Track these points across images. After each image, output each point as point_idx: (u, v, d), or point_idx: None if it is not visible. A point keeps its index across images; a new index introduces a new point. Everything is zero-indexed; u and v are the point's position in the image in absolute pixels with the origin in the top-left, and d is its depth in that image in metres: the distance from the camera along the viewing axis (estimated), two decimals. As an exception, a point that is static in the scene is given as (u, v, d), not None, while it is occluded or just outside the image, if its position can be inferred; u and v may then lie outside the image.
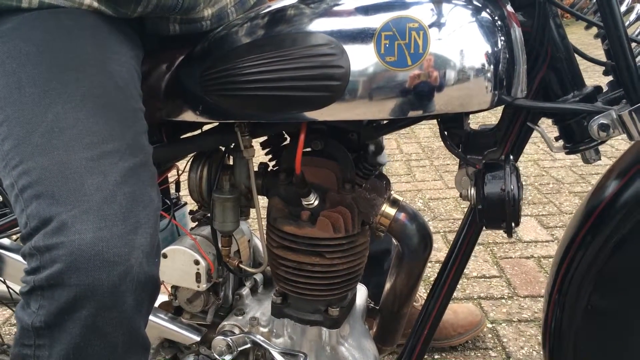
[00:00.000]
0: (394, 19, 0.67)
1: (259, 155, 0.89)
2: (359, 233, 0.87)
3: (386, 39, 0.68)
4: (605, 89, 0.77)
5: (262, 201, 0.89)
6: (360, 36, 0.68)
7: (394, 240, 1.35)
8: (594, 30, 0.79)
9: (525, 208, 2.19)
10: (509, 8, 0.72)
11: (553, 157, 2.81)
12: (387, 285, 1.00)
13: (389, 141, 3.29)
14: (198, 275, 0.95)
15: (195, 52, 0.83)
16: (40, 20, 0.72)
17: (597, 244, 0.76)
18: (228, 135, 0.86)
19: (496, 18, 0.69)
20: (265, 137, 0.91)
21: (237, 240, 1.02)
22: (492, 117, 3.19)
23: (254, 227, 1.11)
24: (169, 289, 1.03)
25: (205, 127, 0.92)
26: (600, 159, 0.76)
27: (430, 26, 0.67)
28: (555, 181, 2.49)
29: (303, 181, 0.83)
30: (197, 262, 0.94)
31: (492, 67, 0.69)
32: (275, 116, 0.75)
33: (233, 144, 0.92)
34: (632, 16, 0.73)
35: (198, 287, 0.95)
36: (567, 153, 0.76)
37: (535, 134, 0.79)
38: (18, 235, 1.16)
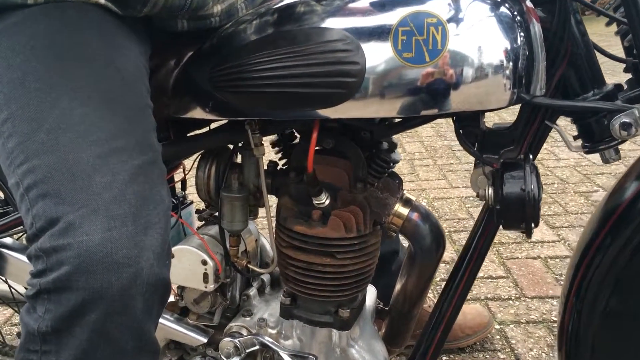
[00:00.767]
0: (412, 14, 0.66)
1: (268, 153, 0.87)
2: (370, 233, 0.85)
3: (403, 34, 0.66)
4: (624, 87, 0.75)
5: (271, 200, 0.88)
6: (377, 32, 0.66)
7: (403, 241, 1.33)
8: (614, 27, 0.78)
9: (531, 208, 2.17)
10: (528, 3, 0.70)
11: (557, 156, 2.79)
12: (398, 286, 0.98)
13: (392, 140, 3.27)
14: (205, 275, 0.93)
15: (204, 48, 0.81)
16: (44, 14, 0.70)
17: (615, 247, 0.74)
18: (238, 133, 0.85)
19: (515, 13, 0.68)
20: (275, 135, 0.89)
21: (244, 240, 1.00)
22: (508, 116, 3.17)
23: (260, 227, 1.09)
24: (175, 290, 1.01)
25: (214, 125, 0.90)
26: (620, 158, 0.74)
27: (449, 21, 0.65)
28: (560, 181, 2.47)
29: (314, 180, 0.81)
30: (204, 262, 0.92)
31: (511, 64, 0.67)
32: (288, 114, 0.73)
33: (242, 142, 0.90)
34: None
35: (205, 287, 0.94)
36: (586, 152, 0.74)
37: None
38: (20, 234, 1.14)
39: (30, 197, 0.60)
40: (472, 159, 0.81)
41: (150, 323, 0.61)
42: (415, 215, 0.86)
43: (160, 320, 0.99)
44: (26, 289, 0.62)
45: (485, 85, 0.67)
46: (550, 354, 1.31)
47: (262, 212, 0.96)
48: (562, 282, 1.64)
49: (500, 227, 0.76)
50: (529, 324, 1.44)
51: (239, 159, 0.95)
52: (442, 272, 1.70)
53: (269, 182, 0.89)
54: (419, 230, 0.86)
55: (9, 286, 1.21)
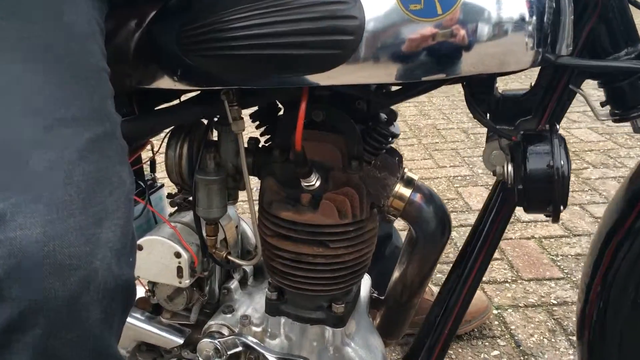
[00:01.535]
0: (420, -44, 0.55)
1: (248, 129, 0.76)
2: (367, 218, 0.75)
3: (410, -19, 0.55)
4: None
5: (253, 182, 0.77)
6: (378, -22, 0.55)
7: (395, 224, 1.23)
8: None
9: (521, 186, 2.10)
10: (553, -54, 0.60)
11: None
12: (396, 274, 0.89)
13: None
14: (179, 269, 0.82)
15: (171, 4, 0.69)
16: None
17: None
18: (212, 105, 0.73)
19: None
20: (256, 107, 0.78)
21: (223, 227, 0.89)
22: (510, 82, 3.08)
23: (241, 211, 0.98)
24: (146, 285, 0.90)
25: (185, 96, 0.78)
26: (655, 127, 0.65)
27: (464, -34, 0.54)
28: None
29: (303, 159, 0.70)
30: (178, 255, 0.81)
31: (534, 18, 0.57)
32: (272, 81, 0.62)
33: (218, 116, 0.79)
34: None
35: (180, 283, 0.82)
36: (615, 121, 0.65)
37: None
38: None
39: None
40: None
41: (110, 336, 0.50)
42: (418, 197, 0.76)
43: (129, 319, 0.89)
44: None
45: (504, 44, 0.57)
46: (552, 340, 1.24)
47: (242, 195, 0.85)
48: (559, 263, 1.58)
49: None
50: (527, 308, 1.37)
51: (214, 136, 0.83)
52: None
53: (250, 162, 0.79)
54: (422, 213, 0.76)
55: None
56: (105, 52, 0.63)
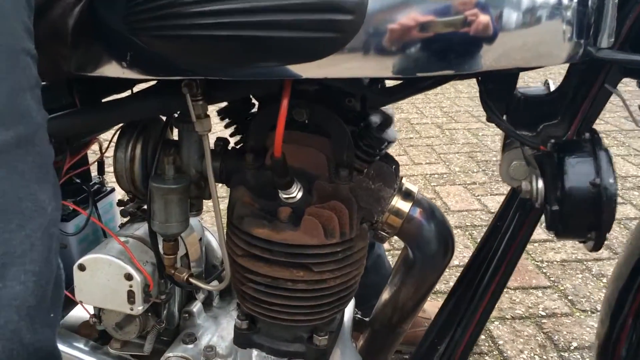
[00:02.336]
0: None
1: (216, 127, 0.63)
2: (357, 236, 0.63)
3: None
4: None
5: (221, 191, 0.63)
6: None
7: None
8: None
9: (500, 186, 2.02)
10: None
11: None
12: (385, 296, 0.78)
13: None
14: (131, 294, 0.68)
15: (119, -29, 0.55)
16: None
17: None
18: (172, 99, 0.60)
19: None
20: (225, 103, 0.65)
21: (184, 241, 0.76)
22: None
23: (207, 221, 0.85)
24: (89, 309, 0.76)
25: (138, 87, 0.65)
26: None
27: None
28: None
29: (282, 166, 0.57)
30: (129, 277, 0.68)
31: (575, 2, 0.46)
32: (245, 70, 0.50)
33: (179, 112, 0.65)
34: None
35: (131, 309, 0.69)
36: (656, 128, 0.54)
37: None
38: None
39: None
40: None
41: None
42: (418, 212, 0.64)
43: (69, 349, 0.75)
44: None
45: (537, 34, 0.46)
46: (544, 357, 1.16)
47: (208, 205, 0.72)
48: (544, 270, 1.50)
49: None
50: (515, 321, 1.28)
51: (175, 136, 0.69)
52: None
53: (217, 167, 0.66)
54: (422, 232, 0.65)
55: None
56: (31, 30, 0.49)
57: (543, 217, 0.54)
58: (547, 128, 0.56)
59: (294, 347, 0.68)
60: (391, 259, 1.43)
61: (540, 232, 1.66)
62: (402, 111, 3.09)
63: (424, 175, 2.16)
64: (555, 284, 1.42)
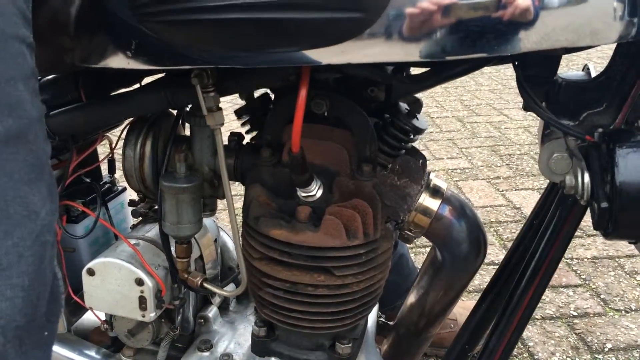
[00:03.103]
0: None
1: (230, 122, 0.59)
2: (382, 236, 0.58)
3: None
4: None
5: (236, 189, 0.59)
6: None
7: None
8: None
9: (525, 180, 1.96)
10: None
11: (509, 117, 2.64)
12: (411, 299, 0.74)
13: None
14: (142, 299, 0.65)
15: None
16: None
17: None
18: (182, 91, 0.56)
19: None
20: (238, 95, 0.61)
21: (198, 242, 0.72)
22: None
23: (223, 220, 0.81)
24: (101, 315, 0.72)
25: (146, 80, 0.61)
26: None
27: None
28: (514, 144, 2.31)
29: (301, 162, 0.53)
30: (140, 282, 0.64)
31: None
32: (261, 57, 0.45)
33: (190, 105, 0.61)
34: None
35: (143, 316, 0.65)
36: None
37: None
38: None
39: None
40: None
41: None
42: (447, 211, 0.59)
43: (80, 357, 0.72)
44: None
45: (583, 11, 0.42)
46: (577, 359, 1.10)
47: (223, 203, 0.68)
48: (575, 268, 1.44)
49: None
50: (545, 321, 1.22)
51: (186, 131, 0.66)
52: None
53: (232, 164, 0.61)
54: (452, 232, 0.60)
55: None
56: (28, 17, 0.45)
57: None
58: (591, 116, 0.51)
59: (315, 355, 0.64)
60: (413, 257, 1.38)
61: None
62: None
63: (446, 170, 2.10)
64: (587, 282, 1.35)
